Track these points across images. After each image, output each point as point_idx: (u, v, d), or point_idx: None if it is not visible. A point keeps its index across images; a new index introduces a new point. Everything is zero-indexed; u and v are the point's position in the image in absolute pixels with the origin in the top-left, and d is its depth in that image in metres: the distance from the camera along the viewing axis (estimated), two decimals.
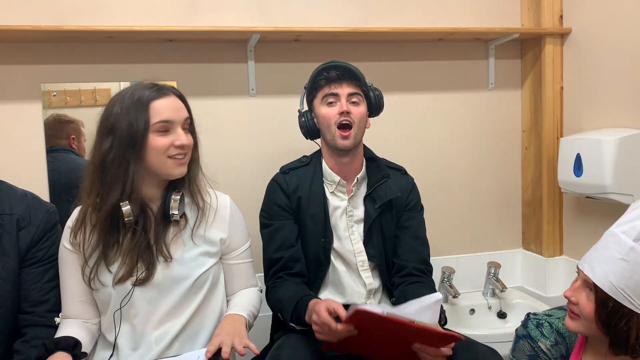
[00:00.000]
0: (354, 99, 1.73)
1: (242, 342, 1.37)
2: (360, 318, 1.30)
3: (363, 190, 1.80)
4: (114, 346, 1.44)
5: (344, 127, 1.70)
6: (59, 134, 2.01)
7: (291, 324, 1.58)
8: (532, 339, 1.34)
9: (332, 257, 1.77)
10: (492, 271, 2.34)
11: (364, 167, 1.81)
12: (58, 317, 1.47)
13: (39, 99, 1.97)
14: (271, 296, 1.70)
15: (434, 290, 1.74)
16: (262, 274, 1.78)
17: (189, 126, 1.48)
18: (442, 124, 2.40)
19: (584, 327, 1.21)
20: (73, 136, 2.02)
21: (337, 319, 1.38)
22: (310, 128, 1.81)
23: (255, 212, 1.83)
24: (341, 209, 1.78)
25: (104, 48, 2.02)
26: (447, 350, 1.39)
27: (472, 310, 2.32)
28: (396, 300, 1.74)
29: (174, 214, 1.44)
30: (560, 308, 1.40)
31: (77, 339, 1.37)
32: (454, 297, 2.24)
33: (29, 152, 1.96)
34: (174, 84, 2.04)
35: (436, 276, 1.88)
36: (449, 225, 2.44)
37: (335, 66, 1.73)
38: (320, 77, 1.74)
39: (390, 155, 1.92)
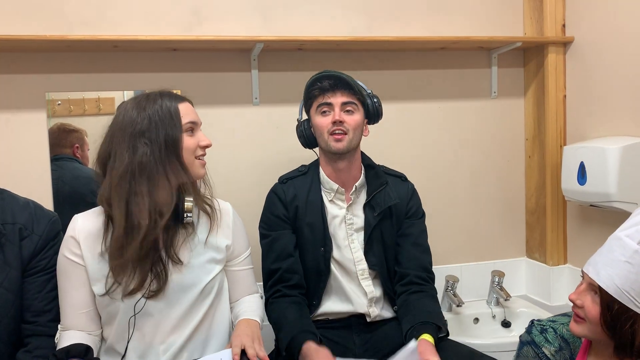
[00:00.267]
0: (348, 108, 1.73)
1: (259, 349, 1.38)
2: None
3: (362, 198, 1.80)
4: (124, 356, 1.43)
5: (338, 134, 1.71)
6: (63, 143, 2.02)
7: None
8: (536, 344, 1.34)
9: (332, 266, 1.77)
10: (496, 280, 2.33)
11: (362, 175, 1.81)
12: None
13: (43, 107, 1.98)
14: (270, 313, 1.71)
15: (436, 299, 1.74)
16: (262, 283, 1.78)
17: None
18: (446, 133, 2.39)
19: (589, 330, 1.21)
20: (77, 145, 2.03)
21: None
22: (307, 137, 1.82)
23: (258, 220, 1.83)
24: (340, 218, 1.78)
25: (108, 57, 2.03)
26: None
27: (476, 319, 2.31)
28: (398, 309, 1.74)
29: (188, 215, 1.44)
30: (564, 314, 1.40)
31: (88, 345, 1.35)
32: (457, 306, 2.23)
33: (34, 161, 1.97)
34: (178, 92, 2.04)
35: (440, 285, 1.88)
36: (453, 234, 2.43)
37: (328, 76, 1.73)
38: (313, 87, 1.75)
39: (394, 164, 1.92)
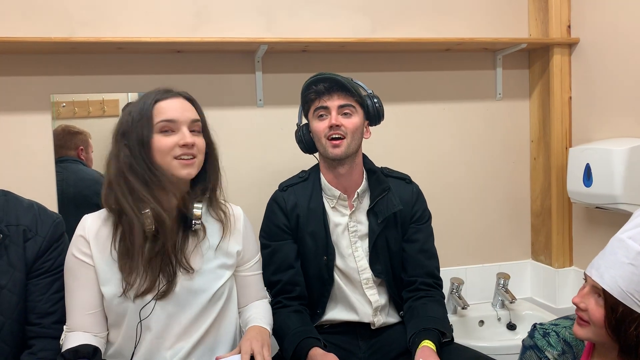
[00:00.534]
0: (346, 111, 1.68)
1: (267, 357, 1.37)
2: None
3: (366, 204, 1.76)
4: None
5: (335, 139, 1.67)
6: (67, 145, 2.02)
7: None
8: (539, 349, 1.34)
9: (335, 275, 1.74)
10: (502, 282, 2.32)
11: (364, 180, 1.77)
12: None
13: (48, 109, 1.98)
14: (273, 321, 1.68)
15: (442, 304, 1.72)
16: None
17: (203, 129, 1.47)
18: (450, 135, 2.39)
19: (594, 333, 1.21)
20: (81, 147, 2.03)
21: None
22: (306, 142, 1.78)
23: (261, 221, 1.82)
24: (342, 226, 1.74)
25: (112, 59, 2.03)
26: None
27: (482, 322, 2.30)
28: (404, 315, 1.73)
29: (196, 222, 1.42)
30: (566, 317, 1.40)
31: (95, 346, 1.34)
32: (463, 308, 2.22)
33: (38, 163, 1.98)
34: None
35: (445, 287, 1.87)
36: (458, 236, 2.42)
37: (324, 78, 1.68)
38: (309, 91, 1.71)
39: (398, 166, 1.91)
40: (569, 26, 2.30)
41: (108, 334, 1.46)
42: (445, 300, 1.84)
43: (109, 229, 1.42)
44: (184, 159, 1.39)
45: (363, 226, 1.75)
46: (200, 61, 2.11)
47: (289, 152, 2.15)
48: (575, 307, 1.25)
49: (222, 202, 1.54)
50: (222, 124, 2.11)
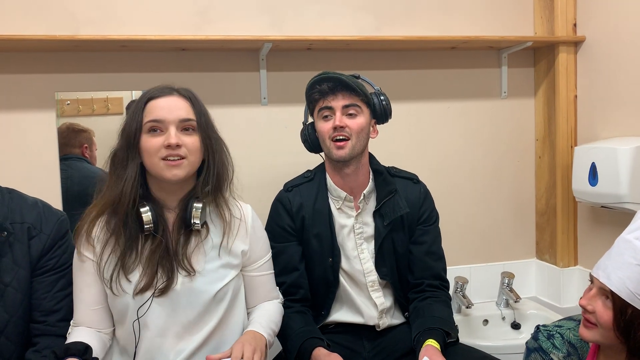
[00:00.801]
0: (351, 111, 1.64)
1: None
2: None
3: (372, 205, 1.73)
4: (134, 357, 1.41)
5: (339, 141, 1.64)
6: (72, 143, 2.02)
7: None
8: (544, 351, 1.33)
9: (341, 277, 1.72)
10: (506, 281, 2.31)
11: (371, 181, 1.75)
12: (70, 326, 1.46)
13: (52, 107, 1.98)
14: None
15: (448, 305, 1.71)
16: None
17: (201, 127, 1.42)
18: (455, 133, 2.38)
19: (601, 335, 1.20)
20: (86, 145, 2.04)
21: None
22: (311, 141, 1.75)
23: (266, 219, 1.80)
24: (348, 228, 1.72)
25: (117, 57, 2.03)
26: None
27: (486, 321, 2.29)
28: (409, 316, 1.72)
29: (195, 222, 1.40)
30: (569, 318, 1.38)
31: (87, 344, 1.33)
32: (467, 307, 2.22)
33: (43, 160, 1.98)
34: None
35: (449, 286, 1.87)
36: (462, 235, 2.42)
37: (328, 78, 1.64)
38: (313, 90, 1.67)
39: (403, 164, 1.90)
40: (575, 24, 2.29)
41: (114, 330, 1.47)
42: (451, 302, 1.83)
43: (110, 226, 1.42)
44: (169, 160, 1.36)
45: (369, 228, 1.73)
46: (204, 59, 2.11)
47: (294, 150, 2.15)
48: (581, 308, 1.24)
49: (231, 200, 1.52)
50: (226, 122, 2.10)
